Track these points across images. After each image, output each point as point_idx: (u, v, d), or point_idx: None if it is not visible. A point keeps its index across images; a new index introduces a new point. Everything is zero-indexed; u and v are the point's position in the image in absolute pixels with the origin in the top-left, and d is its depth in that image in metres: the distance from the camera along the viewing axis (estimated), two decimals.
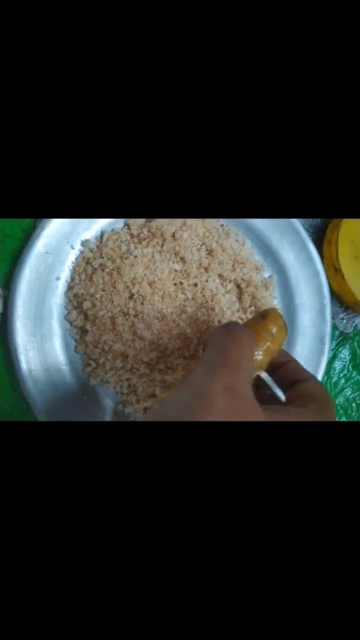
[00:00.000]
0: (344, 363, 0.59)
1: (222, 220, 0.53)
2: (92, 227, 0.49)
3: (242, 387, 0.29)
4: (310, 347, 0.55)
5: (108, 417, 0.49)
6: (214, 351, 0.31)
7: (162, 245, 0.49)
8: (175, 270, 0.50)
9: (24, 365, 0.45)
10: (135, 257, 0.48)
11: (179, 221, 0.50)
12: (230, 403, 0.28)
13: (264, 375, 0.38)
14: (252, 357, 0.35)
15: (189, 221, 0.50)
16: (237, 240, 0.53)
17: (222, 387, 0.28)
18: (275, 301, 0.55)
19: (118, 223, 0.50)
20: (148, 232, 0.49)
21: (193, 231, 0.50)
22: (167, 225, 0.49)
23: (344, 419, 0.59)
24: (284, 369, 0.40)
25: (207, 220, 0.51)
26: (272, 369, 0.40)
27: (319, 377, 0.55)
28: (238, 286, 0.53)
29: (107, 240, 0.49)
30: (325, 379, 0.58)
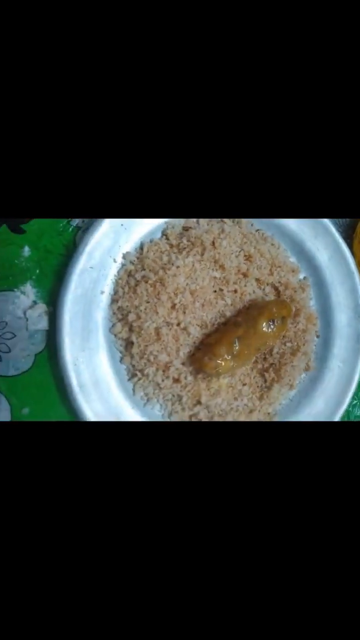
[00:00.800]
0: None
1: (256, 225, 0.53)
2: (132, 239, 0.49)
3: None
4: (347, 346, 0.55)
5: None
6: None
7: (202, 254, 0.49)
8: (215, 278, 0.50)
9: (74, 381, 0.46)
10: (178, 267, 0.48)
11: (216, 229, 0.50)
12: None
13: None
14: None
15: (227, 229, 0.50)
16: (272, 244, 0.53)
17: None
18: (311, 302, 0.55)
19: (156, 233, 0.50)
20: (187, 241, 0.49)
21: (231, 238, 0.50)
22: (206, 233, 0.49)
23: None
24: None
25: (243, 226, 0.52)
26: None
27: (356, 376, 0.55)
28: (276, 289, 0.53)
29: (148, 251, 0.49)
30: None
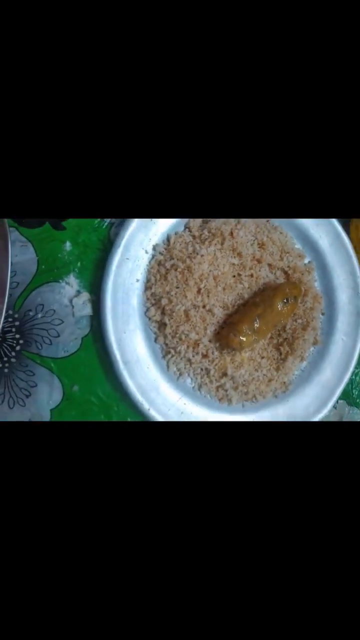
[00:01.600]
0: None
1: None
2: (159, 232, 0.55)
3: None
4: (349, 321, 0.62)
5: (187, 400, 0.56)
6: None
7: (222, 244, 0.56)
8: (234, 264, 0.57)
9: (119, 359, 0.52)
10: (202, 256, 0.54)
11: (233, 221, 0.56)
12: None
13: None
14: None
15: (242, 220, 0.57)
16: (281, 233, 0.60)
17: None
18: (316, 283, 0.62)
19: (180, 226, 0.56)
20: (208, 232, 0.56)
21: (247, 229, 0.57)
22: (224, 225, 0.56)
23: None
24: None
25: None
26: None
27: (358, 347, 0.62)
28: (285, 273, 0.60)
29: (174, 243, 0.55)
30: None
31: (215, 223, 0.56)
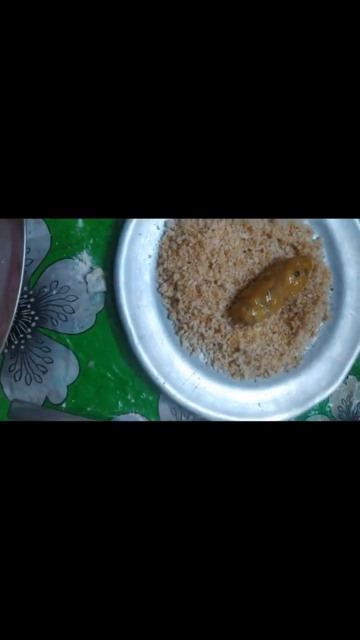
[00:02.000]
0: None
1: None
2: None
3: None
4: (357, 296, 0.63)
5: (200, 375, 0.56)
6: None
7: (233, 218, 0.56)
8: (244, 239, 0.57)
9: (134, 333, 0.52)
10: (213, 230, 0.55)
11: None
12: None
13: None
14: None
15: None
16: None
17: None
18: (324, 259, 0.62)
19: None
20: None
21: None
22: None
23: None
24: None
25: None
26: None
27: None
28: (294, 248, 0.61)
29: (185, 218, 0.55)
30: None
31: None
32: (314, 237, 0.62)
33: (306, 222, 0.62)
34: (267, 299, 0.55)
